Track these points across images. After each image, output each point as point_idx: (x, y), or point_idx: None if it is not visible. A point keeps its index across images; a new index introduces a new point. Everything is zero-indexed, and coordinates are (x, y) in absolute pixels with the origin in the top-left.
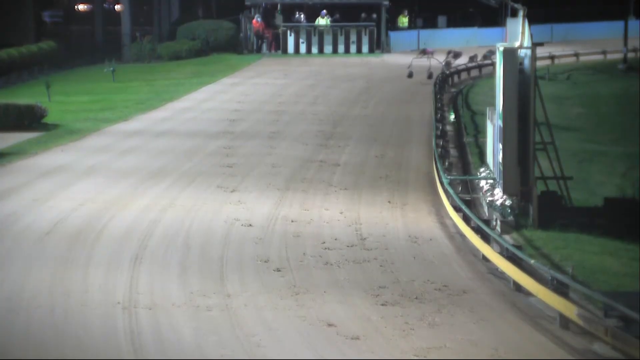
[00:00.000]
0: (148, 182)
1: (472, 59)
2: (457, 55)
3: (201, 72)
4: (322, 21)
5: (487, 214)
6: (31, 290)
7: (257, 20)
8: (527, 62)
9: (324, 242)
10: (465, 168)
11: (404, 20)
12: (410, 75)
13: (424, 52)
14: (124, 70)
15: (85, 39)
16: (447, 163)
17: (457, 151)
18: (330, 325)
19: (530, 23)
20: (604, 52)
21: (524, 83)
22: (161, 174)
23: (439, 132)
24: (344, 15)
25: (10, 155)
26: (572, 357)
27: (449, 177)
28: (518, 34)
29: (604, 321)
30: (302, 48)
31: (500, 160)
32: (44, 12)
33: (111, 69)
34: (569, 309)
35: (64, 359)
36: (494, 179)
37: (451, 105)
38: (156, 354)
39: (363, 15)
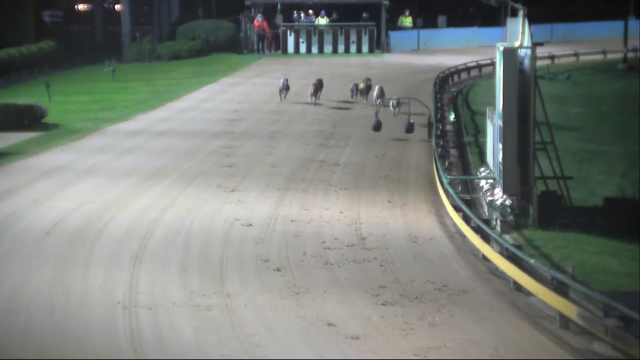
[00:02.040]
0: (148, 182)
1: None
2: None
3: (201, 72)
4: (322, 21)
5: (487, 213)
6: (31, 290)
7: (258, 20)
8: (527, 62)
9: (324, 242)
10: (465, 168)
11: (404, 20)
12: (377, 126)
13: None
14: (124, 70)
15: (85, 39)
16: (447, 163)
17: (457, 151)
18: (330, 324)
19: (530, 23)
20: (604, 52)
21: (524, 83)
22: (161, 174)
23: (439, 132)
24: (343, 15)
25: (10, 155)
26: (572, 357)
27: (449, 176)
28: (518, 33)
29: (604, 321)
30: (302, 48)
31: (500, 160)
32: (44, 12)
33: (111, 68)
34: (569, 309)
35: (64, 359)
36: (494, 178)
37: (451, 105)
38: (156, 353)
39: (365, 15)
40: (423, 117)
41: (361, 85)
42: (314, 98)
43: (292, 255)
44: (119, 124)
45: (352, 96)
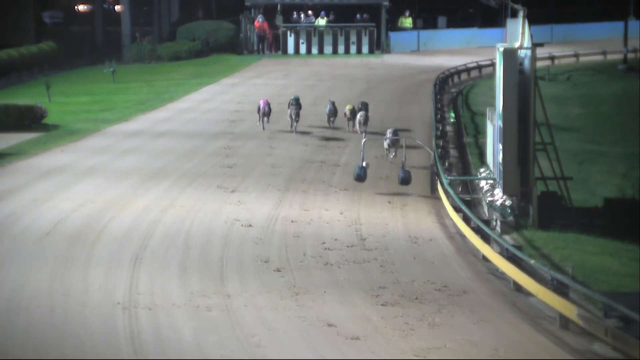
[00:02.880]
0: (148, 182)
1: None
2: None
3: (201, 72)
4: (322, 22)
5: (487, 214)
6: (31, 290)
7: (258, 21)
8: (527, 63)
9: (324, 243)
10: (465, 168)
11: (404, 21)
12: (360, 176)
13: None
14: (124, 70)
15: (85, 39)
16: (447, 163)
17: (457, 151)
18: (330, 325)
19: (530, 24)
20: (604, 53)
21: (524, 83)
22: (161, 175)
23: (439, 133)
24: (344, 16)
25: (10, 156)
26: (572, 358)
27: (449, 177)
28: (518, 34)
29: (604, 321)
30: (302, 49)
31: (500, 160)
32: (44, 12)
33: (111, 69)
34: (569, 309)
35: (64, 359)
36: (494, 179)
37: (451, 105)
38: (156, 354)
39: (360, 16)
40: (422, 155)
41: (347, 108)
42: (295, 124)
43: (292, 255)
44: (119, 124)
45: (328, 121)
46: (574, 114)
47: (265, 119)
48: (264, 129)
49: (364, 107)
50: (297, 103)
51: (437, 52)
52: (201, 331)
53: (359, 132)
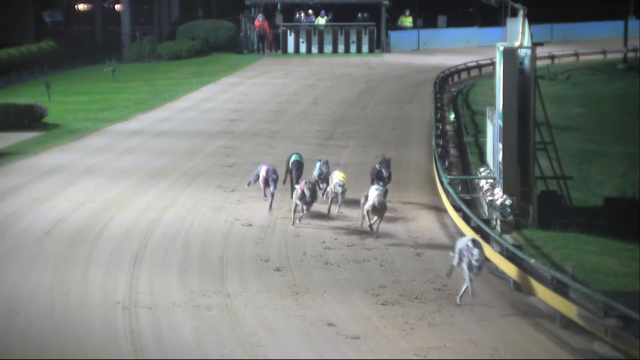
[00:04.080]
0: (148, 182)
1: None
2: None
3: (201, 71)
4: (322, 21)
5: (487, 213)
6: (31, 290)
7: (258, 20)
8: (527, 62)
9: (324, 242)
10: (465, 168)
11: (404, 20)
12: None
13: None
14: (124, 70)
15: (85, 39)
16: (447, 163)
17: (457, 151)
18: (330, 324)
19: (530, 23)
20: (604, 52)
21: (524, 83)
22: (161, 174)
23: (439, 132)
24: (344, 15)
25: (10, 155)
26: (572, 357)
27: (449, 176)
28: (518, 33)
29: (604, 321)
30: (302, 48)
31: (500, 160)
32: (44, 12)
33: (111, 68)
34: (569, 309)
35: (64, 359)
36: (494, 178)
37: (451, 105)
38: (156, 353)
39: (360, 15)
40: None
41: (338, 178)
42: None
43: (292, 255)
44: (119, 124)
45: (301, 207)
46: (574, 114)
47: (271, 188)
48: (269, 204)
49: (382, 175)
50: (299, 167)
51: (437, 51)
52: (201, 330)
53: (367, 228)
